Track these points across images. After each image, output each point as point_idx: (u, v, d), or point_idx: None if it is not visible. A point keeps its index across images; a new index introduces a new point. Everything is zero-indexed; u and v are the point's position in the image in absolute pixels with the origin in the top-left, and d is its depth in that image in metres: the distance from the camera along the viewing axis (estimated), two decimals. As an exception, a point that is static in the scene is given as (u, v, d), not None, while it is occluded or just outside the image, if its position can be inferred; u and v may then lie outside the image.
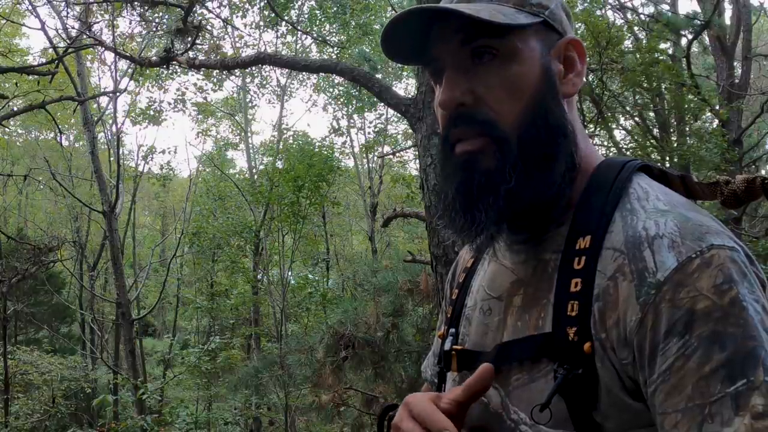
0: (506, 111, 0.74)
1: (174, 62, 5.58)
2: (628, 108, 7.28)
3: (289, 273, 13.19)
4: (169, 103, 15.95)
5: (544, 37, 0.77)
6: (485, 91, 0.74)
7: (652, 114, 7.64)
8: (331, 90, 14.87)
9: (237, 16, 12.57)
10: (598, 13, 6.95)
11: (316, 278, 13.12)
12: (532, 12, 0.75)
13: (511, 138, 0.74)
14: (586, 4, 6.63)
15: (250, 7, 12.15)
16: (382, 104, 11.07)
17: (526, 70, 0.74)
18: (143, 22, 8.22)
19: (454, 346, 0.84)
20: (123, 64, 12.23)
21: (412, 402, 0.72)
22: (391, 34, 0.77)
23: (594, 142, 6.59)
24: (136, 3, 6.59)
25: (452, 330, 0.87)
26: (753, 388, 0.57)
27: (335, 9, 11.71)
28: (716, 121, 7.33)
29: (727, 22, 7.46)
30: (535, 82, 0.75)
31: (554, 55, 0.78)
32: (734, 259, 0.63)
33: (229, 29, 12.21)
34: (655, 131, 7.43)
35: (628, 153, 6.96)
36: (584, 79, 0.82)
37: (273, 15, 11.20)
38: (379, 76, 10.56)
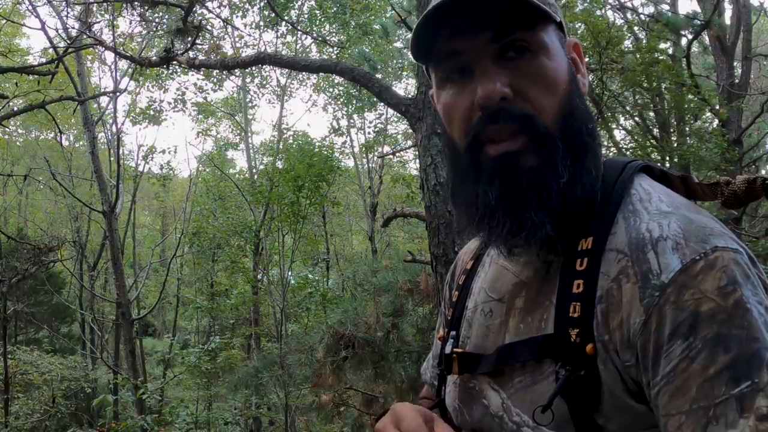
0: (546, 105, 0.72)
1: (174, 62, 5.58)
2: (628, 108, 7.28)
3: (289, 273, 13.19)
4: (169, 103, 15.97)
5: (558, 36, 0.77)
6: (523, 84, 0.72)
7: (652, 114, 7.63)
8: (331, 90, 14.88)
9: (237, 16, 12.58)
10: (598, 13, 6.94)
11: (316, 278, 13.12)
12: (552, 11, 0.74)
13: (554, 133, 0.71)
14: (586, 4, 6.63)
15: (250, 7, 12.16)
16: (382, 104, 11.06)
17: (557, 65, 0.74)
18: (143, 22, 8.22)
19: (455, 349, 0.83)
20: (123, 64, 12.27)
21: (402, 415, 0.71)
22: (426, 29, 0.72)
23: (594, 142, 6.58)
24: (136, 3, 6.59)
25: (453, 332, 0.87)
26: (757, 389, 0.57)
27: (335, 9, 11.72)
28: (716, 121, 7.32)
29: (727, 22, 7.46)
30: (566, 77, 0.74)
31: (567, 55, 0.78)
32: (738, 261, 0.63)
33: (229, 29, 12.23)
34: (655, 131, 7.42)
35: (628, 153, 6.96)
36: (587, 80, 0.82)
37: (273, 15, 11.20)
38: (379, 76, 10.56)
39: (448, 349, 0.84)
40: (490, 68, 0.71)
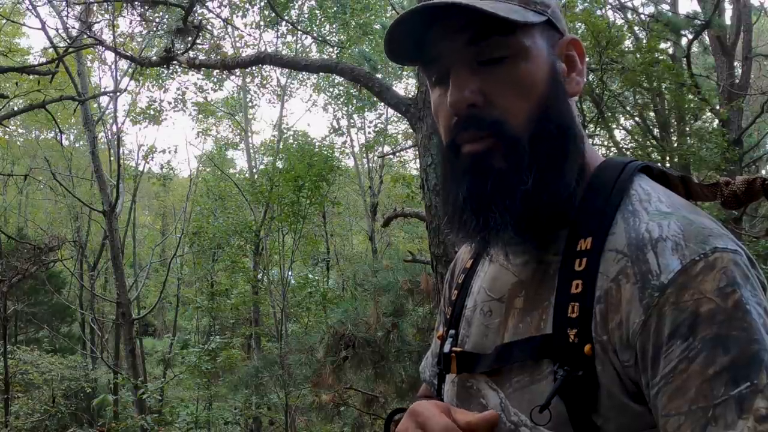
0: (516, 110, 0.72)
1: (174, 62, 5.57)
2: (628, 108, 7.28)
3: (289, 273, 13.19)
4: (170, 103, 15.95)
5: (548, 36, 0.76)
6: (494, 91, 0.72)
7: (652, 114, 7.63)
8: (331, 90, 14.88)
9: (237, 16, 12.57)
10: (598, 13, 6.94)
11: (316, 278, 13.12)
12: (537, 11, 0.74)
13: (522, 138, 0.72)
14: (586, 4, 6.62)
15: (250, 7, 12.15)
16: (382, 104, 11.06)
17: (534, 69, 0.73)
18: (143, 22, 8.22)
19: (454, 348, 0.83)
20: (123, 64, 12.26)
21: (423, 414, 0.70)
22: (396, 33, 0.74)
23: (594, 142, 6.59)
24: (136, 3, 6.59)
25: (452, 331, 0.87)
26: (757, 391, 0.57)
27: (335, 9, 11.71)
28: (716, 121, 7.33)
29: (728, 22, 7.46)
30: (544, 80, 0.74)
31: (558, 54, 0.77)
32: (737, 262, 0.63)
33: (230, 29, 12.23)
34: (655, 131, 7.42)
35: (628, 153, 6.96)
36: (585, 79, 0.81)
37: (273, 15, 11.20)
38: (379, 75, 10.55)
39: (446, 348, 0.84)
40: (462, 74, 0.73)
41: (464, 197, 0.73)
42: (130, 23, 9.83)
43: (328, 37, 12.51)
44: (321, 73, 11.22)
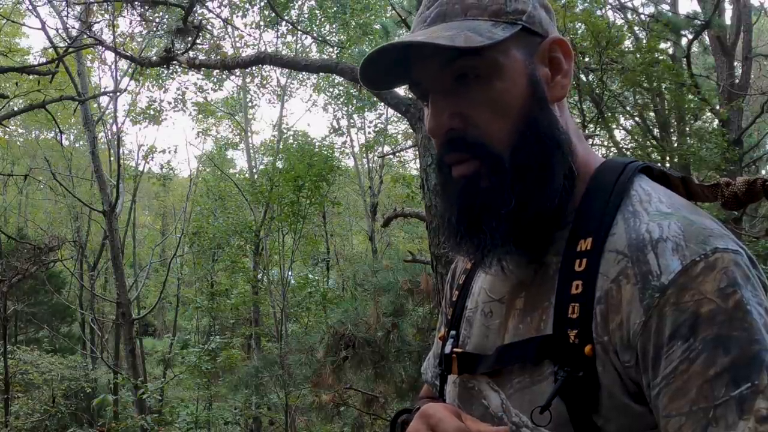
0: (495, 130, 0.72)
1: (174, 62, 5.58)
2: (628, 108, 7.28)
3: (289, 273, 13.19)
4: (169, 103, 15.96)
5: (525, 44, 0.74)
6: (472, 112, 0.73)
7: (652, 114, 7.63)
8: (331, 90, 14.88)
9: (237, 16, 12.58)
10: (598, 13, 6.94)
11: (316, 278, 13.12)
12: (509, 21, 0.73)
13: (504, 156, 0.72)
14: (586, 4, 6.62)
15: (250, 7, 12.16)
16: (382, 104, 11.07)
17: (510, 85, 0.72)
18: (143, 22, 8.22)
19: (455, 349, 0.83)
20: (123, 64, 12.27)
21: (435, 416, 0.70)
22: (369, 70, 0.76)
23: (594, 142, 6.59)
24: (136, 3, 6.59)
25: (453, 332, 0.87)
26: (757, 391, 0.57)
27: (335, 9, 11.72)
28: (716, 121, 7.33)
29: (728, 22, 7.46)
30: (522, 95, 0.73)
31: (539, 60, 0.75)
32: (738, 263, 0.63)
33: (230, 29, 12.23)
34: (655, 131, 7.42)
35: (628, 153, 6.96)
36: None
37: (273, 15, 11.20)
38: (379, 75, 10.53)
39: (447, 349, 0.84)
40: (438, 101, 0.74)
41: (456, 219, 0.75)
42: (130, 23, 9.83)
43: (328, 37, 12.51)
44: (321, 73, 11.23)
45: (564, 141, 0.75)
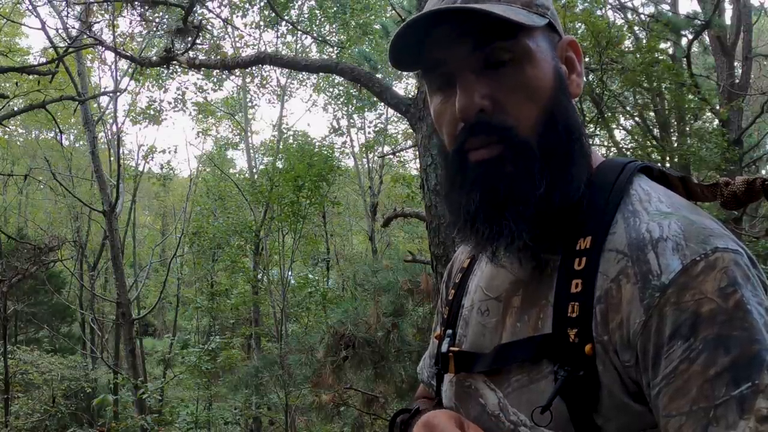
0: (525, 115, 0.72)
1: (174, 62, 5.57)
2: (628, 108, 7.28)
3: (289, 273, 13.19)
4: (169, 103, 15.98)
5: (549, 38, 0.76)
6: (502, 96, 0.72)
7: (652, 114, 7.63)
8: (331, 90, 14.89)
9: (237, 16, 12.58)
10: (598, 13, 6.94)
11: (316, 278, 13.11)
12: (539, 13, 0.74)
13: (532, 142, 0.72)
14: (586, 4, 6.62)
15: (250, 7, 12.16)
16: (382, 104, 11.06)
17: (540, 73, 0.73)
18: (143, 22, 8.22)
19: (451, 348, 0.83)
20: (123, 64, 12.27)
21: (438, 427, 0.70)
22: (402, 41, 0.73)
23: (594, 142, 6.59)
24: (136, 3, 6.59)
25: (449, 331, 0.87)
26: (758, 391, 0.57)
27: (335, 9, 11.72)
28: (716, 121, 7.32)
29: (728, 22, 7.46)
30: (550, 83, 0.73)
31: (558, 56, 0.77)
32: (738, 262, 0.63)
33: (229, 29, 12.23)
34: (655, 131, 7.42)
35: (628, 153, 6.96)
36: (583, 80, 0.81)
37: (273, 15, 11.20)
38: (379, 75, 10.55)
39: (444, 348, 0.84)
40: (469, 80, 0.72)
41: (476, 206, 0.72)
42: (130, 23, 9.84)
43: (328, 37, 12.51)
44: (321, 73, 11.22)
45: (584, 134, 0.76)
